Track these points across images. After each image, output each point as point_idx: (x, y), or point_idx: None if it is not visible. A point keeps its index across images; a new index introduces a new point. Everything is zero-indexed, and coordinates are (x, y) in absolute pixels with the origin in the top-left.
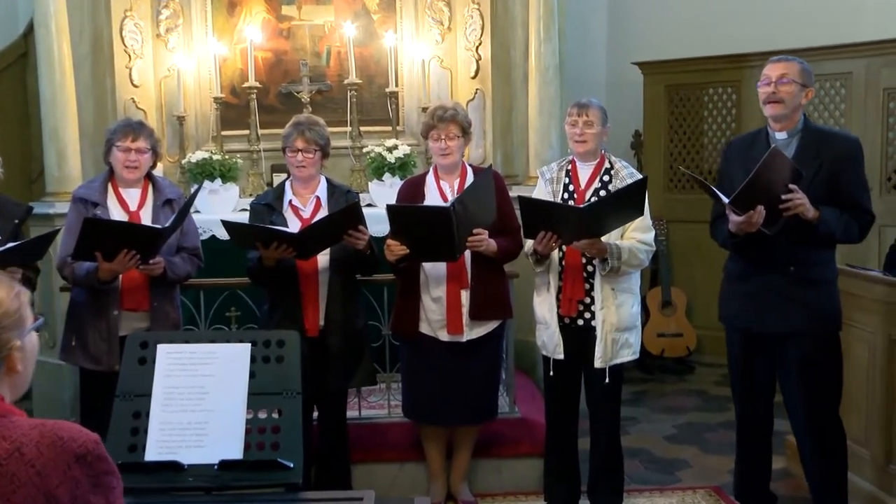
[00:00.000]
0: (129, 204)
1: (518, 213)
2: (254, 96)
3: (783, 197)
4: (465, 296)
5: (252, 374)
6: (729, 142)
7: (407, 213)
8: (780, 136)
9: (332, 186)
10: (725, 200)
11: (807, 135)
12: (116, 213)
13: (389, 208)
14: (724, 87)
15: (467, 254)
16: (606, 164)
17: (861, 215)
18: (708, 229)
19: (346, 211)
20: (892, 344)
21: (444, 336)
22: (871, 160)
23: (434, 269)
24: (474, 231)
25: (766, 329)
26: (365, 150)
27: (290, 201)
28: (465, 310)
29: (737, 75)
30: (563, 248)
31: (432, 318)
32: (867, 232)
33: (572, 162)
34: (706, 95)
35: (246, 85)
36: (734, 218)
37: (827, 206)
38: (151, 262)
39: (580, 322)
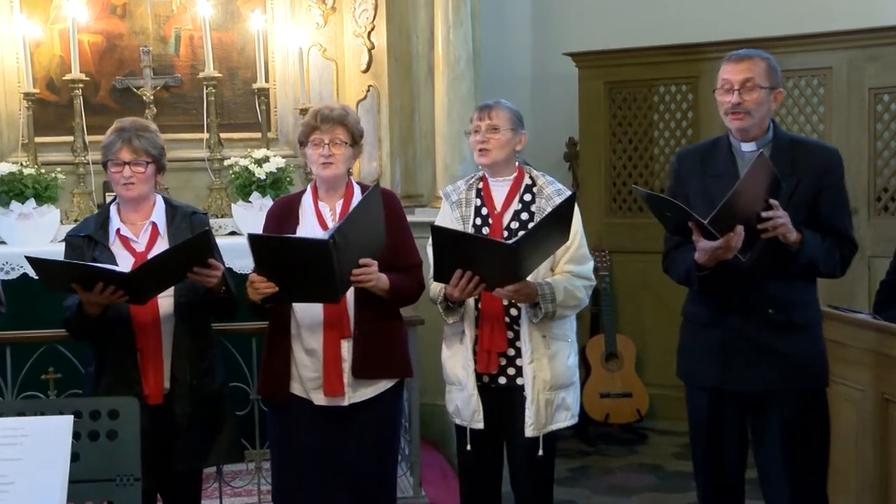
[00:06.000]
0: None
1: (429, 246)
2: (79, 92)
3: (763, 215)
4: (345, 347)
5: (75, 456)
6: (677, 155)
7: (273, 246)
8: (747, 147)
9: (171, 208)
10: (702, 220)
11: (779, 146)
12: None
13: (251, 239)
14: (678, 84)
15: (351, 293)
16: (526, 181)
17: (842, 243)
18: (655, 260)
19: (194, 241)
20: (886, 404)
21: (319, 399)
22: (857, 175)
23: (307, 313)
24: (361, 261)
25: (738, 387)
26: (227, 162)
27: (118, 231)
28: (346, 365)
29: (693, 70)
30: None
31: (305, 375)
32: (849, 265)
33: (483, 179)
34: (656, 94)
35: (68, 77)
36: (704, 244)
37: (807, 229)
38: None
39: (502, 380)
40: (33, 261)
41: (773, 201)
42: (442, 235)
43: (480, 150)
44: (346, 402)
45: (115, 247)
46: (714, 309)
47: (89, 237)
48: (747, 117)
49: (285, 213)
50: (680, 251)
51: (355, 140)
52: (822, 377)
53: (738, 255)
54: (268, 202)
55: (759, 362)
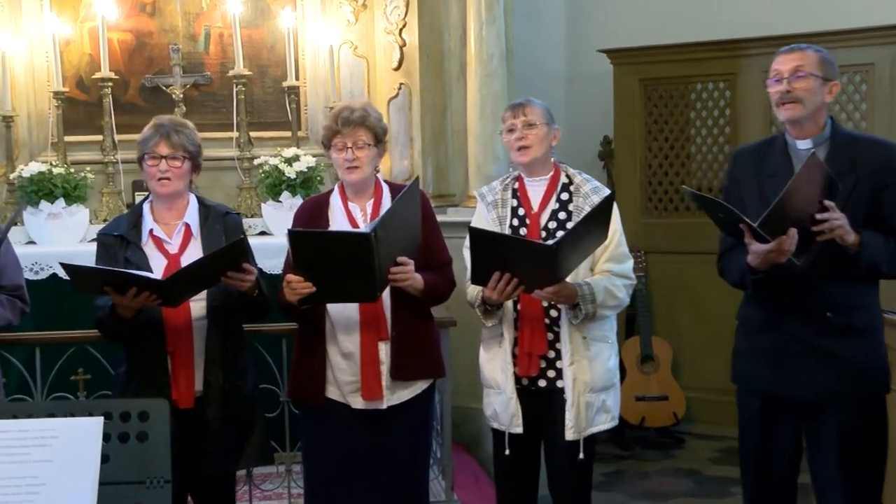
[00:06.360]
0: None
1: (465, 248)
2: (108, 91)
3: (817, 216)
4: (383, 349)
5: (105, 458)
6: (732, 155)
7: (314, 241)
8: (803, 145)
9: (204, 208)
10: (752, 224)
11: (837, 143)
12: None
13: (292, 235)
14: (716, 80)
15: (387, 294)
16: (563, 179)
17: None
18: (692, 261)
19: (230, 249)
20: None
21: (357, 403)
22: None
23: (342, 315)
24: (398, 260)
25: (793, 393)
26: (257, 161)
27: (151, 231)
28: (384, 367)
29: (731, 66)
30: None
31: (342, 378)
32: None
33: (519, 179)
34: (693, 92)
35: (98, 76)
36: (757, 247)
37: (866, 230)
38: None
39: (542, 383)
40: (67, 267)
41: (828, 203)
42: (480, 237)
43: (520, 147)
44: (384, 406)
45: (148, 247)
46: (769, 313)
47: (122, 237)
48: (798, 106)
49: (315, 215)
50: (734, 253)
51: (379, 139)
52: (882, 382)
53: (792, 258)
54: (298, 202)
55: (816, 367)
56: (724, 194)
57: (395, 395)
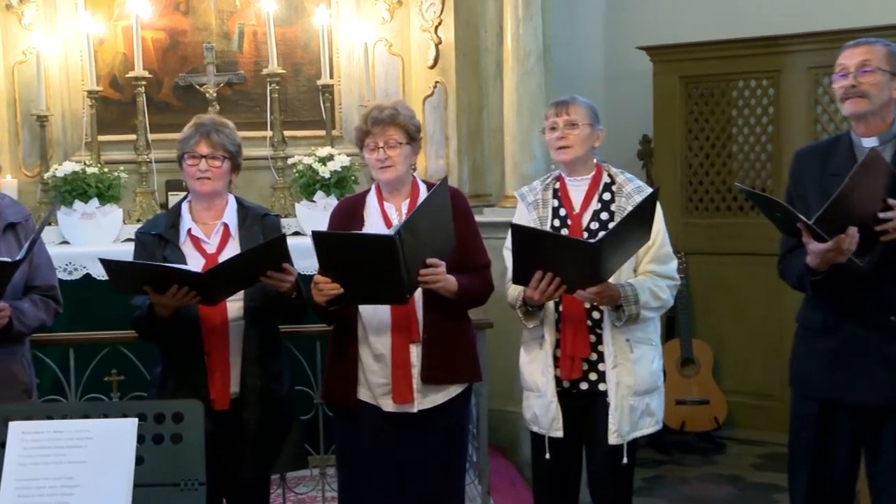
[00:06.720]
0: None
1: (506, 249)
2: (142, 90)
3: (880, 215)
4: (414, 352)
5: (139, 460)
6: (795, 154)
7: (338, 243)
8: (869, 142)
9: (243, 209)
10: (807, 221)
11: None
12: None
13: (316, 237)
14: (758, 78)
15: (419, 296)
16: (605, 179)
17: None
18: (733, 262)
19: (270, 246)
20: None
21: (388, 405)
22: None
23: (374, 317)
24: (428, 261)
25: (853, 398)
26: (291, 161)
27: (190, 230)
28: (415, 371)
29: (774, 63)
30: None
31: (373, 381)
32: None
33: (560, 179)
34: (734, 89)
35: (131, 75)
36: (815, 247)
37: None
38: None
39: (583, 386)
40: (107, 263)
41: (892, 201)
42: (522, 234)
43: (560, 147)
44: (415, 409)
45: (186, 247)
46: (829, 315)
47: (160, 236)
48: (863, 101)
49: (350, 214)
50: (795, 254)
51: (411, 136)
52: None
53: (854, 258)
54: (332, 201)
55: (877, 371)
56: (786, 194)
57: (428, 399)
